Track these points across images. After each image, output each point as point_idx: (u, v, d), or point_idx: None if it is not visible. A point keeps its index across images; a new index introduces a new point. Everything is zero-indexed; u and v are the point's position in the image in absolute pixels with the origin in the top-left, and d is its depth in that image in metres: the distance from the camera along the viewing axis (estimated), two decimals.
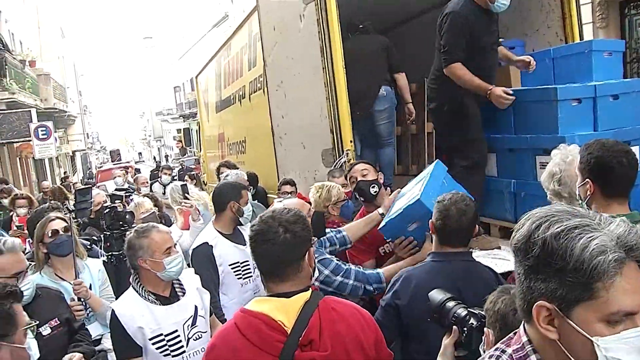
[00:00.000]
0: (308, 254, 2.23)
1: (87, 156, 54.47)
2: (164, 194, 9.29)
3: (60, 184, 16.91)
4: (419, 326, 2.93)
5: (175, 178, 12.54)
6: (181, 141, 37.16)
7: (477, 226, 3.16)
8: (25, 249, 4.87)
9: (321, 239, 3.79)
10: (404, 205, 3.80)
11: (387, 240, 4.01)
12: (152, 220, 4.79)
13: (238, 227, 4.37)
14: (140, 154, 73.95)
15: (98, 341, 3.89)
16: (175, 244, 3.44)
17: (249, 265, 4.21)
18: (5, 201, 8.62)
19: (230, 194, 4.38)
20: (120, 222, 4.67)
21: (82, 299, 3.88)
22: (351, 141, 5.27)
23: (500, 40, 5.11)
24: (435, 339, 2.47)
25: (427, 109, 5.33)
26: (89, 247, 4.85)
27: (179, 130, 43.45)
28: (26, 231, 5.92)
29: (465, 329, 2.26)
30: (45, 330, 3.17)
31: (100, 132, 77.96)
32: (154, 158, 57.25)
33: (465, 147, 4.67)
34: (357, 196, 4.40)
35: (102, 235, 4.86)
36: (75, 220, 5.92)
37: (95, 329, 3.89)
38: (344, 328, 2.16)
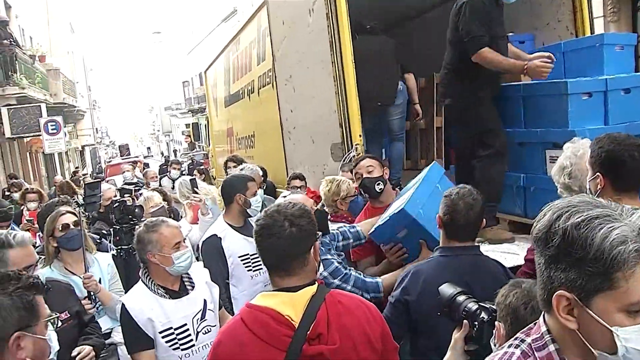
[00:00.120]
0: (313, 248, 2.23)
1: (96, 151, 54.69)
2: (172, 188, 9.31)
3: (70, 179, 16.99)
4: (428, 321, 2.93)
5: (184, 172, 12.57)
6: (190, 136, 37.16)
7: (484, 220, 3.14)
8: (36, 242, 4.89)
9: (333, 232, 3.79)
10: (391, 212, 3.80)
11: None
12: (161, 214, 4.82)
13: (249, 219, 4.37)
14: (149, 148, 74.25)
15: (108, 334, 3.91)
16: (185, 238, 3.45)
17: (259, 257, 4.21)
18: (16, 195, 8.68)
19: (236, 186, 4.39)
20: (130, 216, 4.68)
21: (91, 293, 3.91)
22: (360, 135, 5.26)
23: (510, 34, 5.08)
24: (445, 334, 2.47)
25: (442, 105, 5.28)
26: (98, 241, 4.87)
27: (187, 125, 43.46)
28: (36, 225, 5.95)
29: (476, 323, 2.25)
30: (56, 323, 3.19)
31: (109, 127, 78.24)
32: (162, 153, 57.37)
33: (486, 137, 4.63)
34: (362, 193, 4.39)
35: (111, 229, 4.88)
36: (85, 214, 5.96)
37: (104, 323, 3.91)
38: (351, 321, 2.16)
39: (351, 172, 4.61)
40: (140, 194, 6.81)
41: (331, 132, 5.51)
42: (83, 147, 43.16)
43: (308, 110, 6.23)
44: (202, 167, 14.07)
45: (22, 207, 7.78)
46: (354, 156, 5.11)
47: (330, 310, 2.12)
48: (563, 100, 4.29)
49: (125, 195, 5.07)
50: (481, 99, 4.61)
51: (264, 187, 6.33)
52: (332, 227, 4.11)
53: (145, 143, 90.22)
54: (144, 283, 3.24)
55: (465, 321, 2.30)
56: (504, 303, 2.04)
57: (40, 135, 20.01)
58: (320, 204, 4.61)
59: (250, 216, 4.37)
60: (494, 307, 2.16)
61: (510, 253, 4.24)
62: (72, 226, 3.98)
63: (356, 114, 5.25)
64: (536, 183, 4.55)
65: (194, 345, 3.17)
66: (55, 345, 2.15)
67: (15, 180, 12.16)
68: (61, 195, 6.94)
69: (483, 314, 2.24)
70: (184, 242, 3.35)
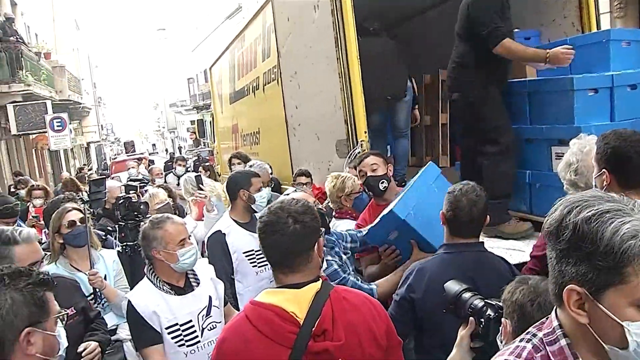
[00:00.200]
0: (317, 245, 2.23)
1: (102, 148, 54.77)
2: (177, 185, 9.31)
3: (75, 175, 17.03)
4: (433, 319, 2.92)
5: (189, 169, 12.58)
6: (195, 133, 37.22)
7: (487, 216, 3.13)
8: (41, 239, 4.90)
9: (342, 232, 3.78)
10: (383, 213, 3.78)
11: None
12: (166, 211, 4.82)
13: (255, 215, 4.37)
14: (154, 145, 74.25)
15: (113, 331, 3.92)
16: (190, 235, 3.45)
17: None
18: (22, 192, 8.70)
19: (240, 182, 4.41)
20: (135, 213, 4.68)
21: (97, 290, 3.92)
22: (365, 132, 5.25)
23: (515, 30, 5.05)
24: (450, 331, 2.46)
25: (448, 100, 5.23)
26: (103, 237, 4.88)
27: (192, 122, 43.57)
28: (42, 222, 5.97)
29: (482, 320, 2.25)
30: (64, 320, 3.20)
31: (114, 124, 78.31)
32: (166, 150, 57.42)
33: (495, 134, 4.60)
34: (366, 191, 4.38)
35: (116, 226, 4.89)
36: (90, 211, 5.96)
37: (110, 319, 3.92)
38: (357, 317, 2.16)
39: (355, 169, 4.60)
40: (146, 191, 6.82)
41: (336, 128, 5.50)
42: (88, 144, 43.25)
43: (313, 106, 6.23)
44: (207, 163, 14.07)
45: (28, 204, 7.80)
46: (359, 152, 5.10)
47: (335, 307, 2.12)
48: (569, 96, 4.27)
49: (131, 192, 5.07)
50: (490, 94, 4.58)
51: (272, 185, 6.33)
52: (342, 227, 4.10)
53: (150, 140, 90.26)
54: (149, 279, 3.25)
55: (471, 318, 2.30)
56: (511, 300, 2.04)
57: (46, 132, 20.07)
58: (326, 201, 4.61)
59: (256, 212, 4.37)
60: (500, 303, 2.15)
61: (515, 250, 4.23)
62: (78, 223, 3.99)
63: (361, 111, 5.24)
64: (542, 180, 4.53)
65: (199, 341, 3.17)
66: (64, 342, 2.15)
67: (21, 177, 12.18)
68: (66, 192, 6.95)
69: (489, 311, 2.24)
70: (189, 239, 3.35)
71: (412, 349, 3.24)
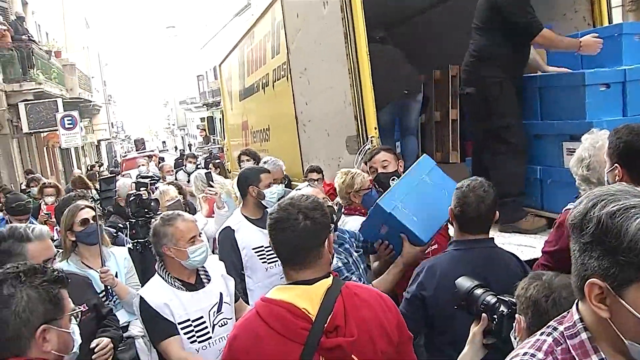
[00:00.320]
0: (327, 241, 2.22)
1: (112, 145, 55.04)
2: (188, 182, 9.34)
3: (86, 173, 17.13)
4: (444, 316, 2.91)
5: (199, 166, 12.62)
6: (205, 130, 37.28)
7: (496, 212, 3.11)
8: (53, 236, 4.94)
9: (354, 232, 3.77)
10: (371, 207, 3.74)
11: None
12: (177, 208, 4.83)
13: (267, 211, 4.36)
14: (164, 142, 74.57)
15: (125, 328, 3.93)
16: (200, 232, 3.45)
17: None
18: (34, 190, 8.76)
19: (249, 179, 4.42)
20: (146, 210, 4.70)
21: (108, 287, 3.93)
22: (375, 128, 5.24)
23: None
24: (461, 328, 2.45)
25: (463, 94, 5.15)
26: (115, 234, 4.90)
27: (202, 119, 43.60)
28: (53, 219, 6.01)
29: (495, 316, 2.24)
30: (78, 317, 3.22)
31: (124, 122, 78.63)
32: (175, 148, 57.59)
33: (506, 133, 4.60)
34: (377, 187, 4.37)
35: (127, 223, 4.90)
36: (100, 209, 6.00)
37: (121, 316, 3.92)
38: (368, 313, 2.15)
39: (366, 164, 4.59)
40: (156, 188, 6.85)
41: (346, 124, 5.49)
42: (99, 141, 43.42)
43: (323, 102, 6.22)
44: (217, 160, 14.12)
45: (40, 202, 7.85)
46: (369, 149, 5.09)
47: (347, 303, 2.11)
48: (580, 91, 4.24)
49: (141, 189, 5.08)
50: (505, 90, 4.57)
51: (285, 182, 6.33)
52: (351, 223, 4.09)
53: (161, 137, 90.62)
54: (160, 275, 3.26)
55: (483, 315, 2.29)
56: (525, 295, 2.02)
57: (57, 130, 20.18)
58: (337, 198, 4.60)
59: (266, 207, 4.38)
60: (513, 300, 2.14)
61: (526, 246, 4.21)
62: (91, 221, 4.00)
63: (371, 107, 5.23)
64: (553, 176, 4.50)
65: (210, 337, 3.18)
66: (78, 339, 2.17)
67: (33, 175, 12.27)
68: (77, 190, 6.99)
69: (502, 307, 2.23)
70: (200, 236, 3.36)
71: (422, 346, 3.22)
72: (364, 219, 4.30)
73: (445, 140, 7.17)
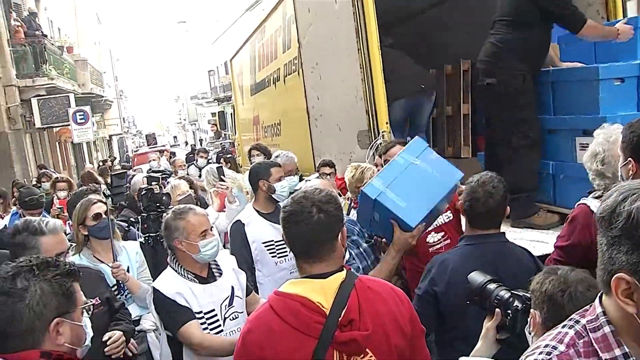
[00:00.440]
0: (341, 234, 2.22)
1: (124, 140, 55.24)
2: (199, 176, 9.37)
3: (97, 168, 17.24)
4: (456, 311, 2.90)
5: (210, 161, 12.64)
6: (216, 124, 37.32)
7: (507, 207, 3.09)
8: (66, 230, 4.96)
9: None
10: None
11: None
12: (188, 202, 4.84)
13: (279, 205, 4.36)
14: (175, 137, 74.69)
15: (137, 322, 3.95)
16: (212, 227, 3.46)
17: (283, 244, 4.22)
18: (47, 185, 8.81)
19: (260, 173, 4.43)
20: (157, 204, 4.71)
21: (120, 282, 3.95)
22: (387, 123, 5.22)
23: None
24: (473, 323, 2.44)
25: (481, 85, 4.99)
26: (127, 228, 4.92)
27: (213, 114, 43.60)
28: (66, 213, 6.04)
29: (509, 311, 2.22)
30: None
31: (136, 117, 78.73)
32: (186, 143, 57.71)
33: (524, 127, 4.57)
34: None
35: (139, 217, 4.92)
36: (113, 204, 6.02)
37: (133, 310, 3.94)
38: (382, 307, 2.14)
39: (381, 157, 4.58)
40: (168, 182, 6.86)
41: (358, 119, 5.48)
42: (110, 136, 43.60)
43: (334, 97, 6.21)
44: (229, 155, 14.13)
45: (52, 196, 7.90)
46: (381, 143, 5.08)
47: (361, 297, 2.10)
48: (594, 86, 4.20)
49: (153, 183, 5.09)
50: (526, 85, 4.55)
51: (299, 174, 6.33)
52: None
53: (172, 132, 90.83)
54: (173, 268, 3.27)
55: (497, 310, 2.27)
56: (540, 290, 2.01)
57: (69, 125, 20.31)
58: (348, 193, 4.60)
59: (278, 201, 4.38)
60: (528, 294, 2.12)
61: (539, 242, 4.19)
62: (103, 215, 4.02)
63: (383, 101, 5.22)
64: (565, 171, 4.47)
65: (222, 330, 3.19)
66: (89, 332, 2.18)
67: (44, 171, 12.34)
68: (89, 184, 7.03)
69: (516, 302, 2.21)
70: (211, 230, 3.37)
71: (433, 342, 3.21)
72: None
73: (457, 135, 7.14)
